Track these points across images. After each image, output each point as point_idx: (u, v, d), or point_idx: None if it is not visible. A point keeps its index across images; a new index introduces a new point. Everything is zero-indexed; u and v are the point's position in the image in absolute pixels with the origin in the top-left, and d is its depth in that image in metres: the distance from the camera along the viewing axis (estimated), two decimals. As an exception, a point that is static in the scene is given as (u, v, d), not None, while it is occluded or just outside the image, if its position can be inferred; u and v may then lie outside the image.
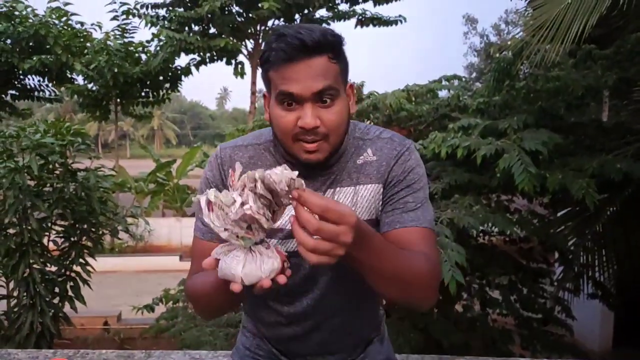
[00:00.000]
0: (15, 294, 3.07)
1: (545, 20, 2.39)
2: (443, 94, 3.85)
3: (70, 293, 3.12)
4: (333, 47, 0.93)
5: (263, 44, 0.92)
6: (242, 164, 1.01)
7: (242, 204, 0.76)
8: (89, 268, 3.13)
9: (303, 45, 0.89)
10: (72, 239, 3.10)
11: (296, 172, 0.76)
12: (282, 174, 0.76)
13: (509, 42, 3.24)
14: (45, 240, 3.06)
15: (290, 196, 0.77)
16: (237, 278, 0.78)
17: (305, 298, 1.06)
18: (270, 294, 1.01)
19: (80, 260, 3.09)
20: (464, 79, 4.27)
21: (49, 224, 3.05)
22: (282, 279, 0.79)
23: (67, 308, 3.16)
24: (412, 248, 0.95)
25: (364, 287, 0.94)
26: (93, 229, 3.16)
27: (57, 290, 3.09)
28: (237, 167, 0.81)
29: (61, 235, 3.11)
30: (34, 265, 2.96)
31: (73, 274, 3.13)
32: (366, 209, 1.02)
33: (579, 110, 3.30)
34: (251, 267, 0.79)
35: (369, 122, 3.90)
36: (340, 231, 0.73)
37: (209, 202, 0.78)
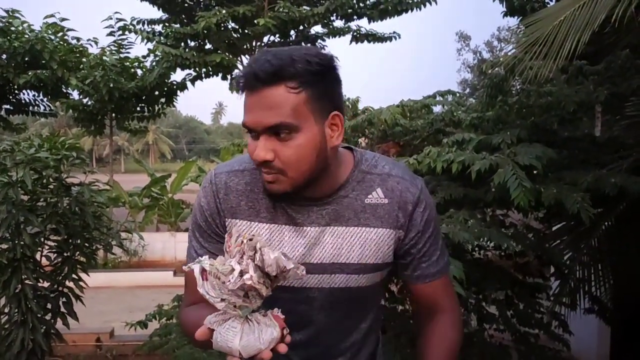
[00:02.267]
0: (6, 310, 3.02)
1: (538, 37, 2.42)
2: (437, 109, 3.89)
3: (62, 309, 3.08)
4: (295, 76, 0.85)
5: None
6: (238, 191, 0.99)
7: (242, 272, 0.72)
8: (81, 284, 3.09)
9: (255, 75, 0.85)
10: (65, 254, 3.07)
11: (291, 263, 0.73)
12: (274, 260, 0.72)
13: (501, 59, 3.28)
14: (38, 256, 3.03)
15: (285, 276, 0.74)
16: (235, 352, 0.74)
17: (298, 333, 1.03)
18: None
19: (73, 275, 3.06)
20: (457, 94, 4.31)
21: (42, 239, 3.03)
22: (282, 348, 0.76)
23: (59, 324, 3.12)
24: (439, 300, 1.05)
25: (360, 328, 0.94)
26: (87, 244, 3.13)
27: (49, 306, 3.05)
28: (234, 232, 0.78)
29: (54, 250, 3.08)
30: (26, 281, 2.92)
31: (66, 290, 3.09)
32: (374, 252, 0.99)
33: (572, 125, 3.33)
34: (249, 338, 0.74)
35: (363, 137, 3.92)
36: None
37: (203, 271, 0.74)
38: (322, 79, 0.88)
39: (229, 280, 0.72)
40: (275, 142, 0.87)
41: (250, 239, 0.74)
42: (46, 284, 3.06)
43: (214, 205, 0.99)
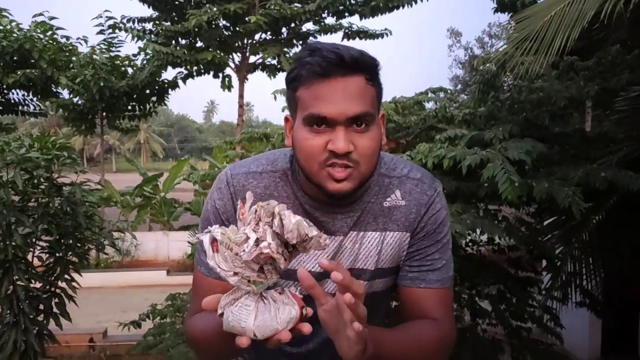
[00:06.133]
0: (-2, 312, 3.00)
1: (528, 33, 2.43)
2: (429, 105, 3.90)
3: (55, 310, 3.06)
4: (370, 68, 0.86)
5: (294, 60, 0.90)
6: (256, 194, 0.92)
7: (258, 240, 0.65)
8: (74, 284, 3.07)
9: (341, 61, 0.82)
10: (57, 254, 3.05)
11: (314, 230, 0.67)
12: (295, 225, 0.65)
13: (492, 55, 3.30)
14: (29, 256, 3.01)
15: (305, 246, 0.68)
16: (249, 332, 0.67)
17: (312, 341, 1.00)
18: None
19: (66, 276, 3.04)
20: (449, 91, 4.32)
21: (34, 240, 3.00)
22: (306, 328, 0.69)
23: (51, 325, 3.10)
24: (428, 310, 0.94)
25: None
26: (79, 244, 3.11)
27: (41, 307, 3.03)
28: (248, 197, 0.71)
29: (46, 250, 3.06)
30: (18, 282, 2.89)
31: (58, 290, 3.07)
32: (390, 256, 0.97)
33: (562, 120, 3.35)
34: (265, 317, 0.67)
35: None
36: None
37: (213, 241, 0.66)
38: (380, 78, 0.90)
39: (244, 250, 0.65)
40: (352, 133, 0.84)
41: (267, 204, 0.68)
42: (38, 285, 3.04)
43: (231, 207, 0.94)
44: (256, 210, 0.68)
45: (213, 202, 0.96)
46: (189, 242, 6.07)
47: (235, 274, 0.66)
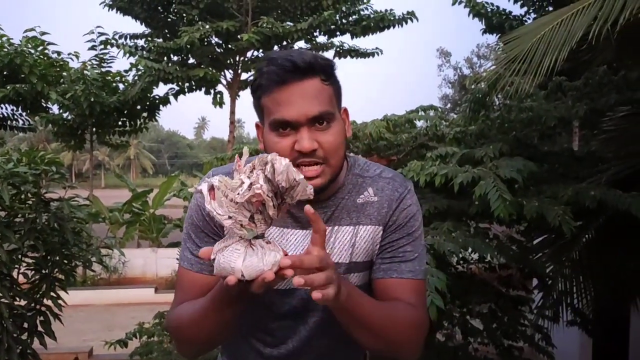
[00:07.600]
0: (-20, 330, 2.92)
1: (517, 54, 2.47)
2: (420, 124, 3.93)
3: (40, 328, 2.98)
4: (325, 69, 0.92)
5: (254, 71, 0.98)
6: None
7: (251, 184, 0.73)
8: (60, 302, 3.01)
9: (295, 67, 0.89)
10: (44, 271, 2.99)
11: (301, 175, 0.74)
12: (285, 168, 0.73)
13: (483, 74, 3.34)
14: (14, 273, 2.94)
15: (292, 195, 0.74)
16: (237, 272, 0.74)
17: (292, 340, 1.03)
18: (264, 312, 0.99)
19: (52, 293, 2.98)
20: (439, 110, 4.37)
21: (20, 256, 2.95)
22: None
23: (35, 344, 3.02)
24: (401, 298, 0.96)
25: (351, 338, 0.93)
26: (65, 261, 3.05)
27: (25, 325, 2.96)
28: (245, 152, 0.78)
29: (32, 267, 3.00)
30: (2, 300, 2.83)
31: (43, 308, 3.00)
32: (364, 250, 1.00)
33: (551, 139, 3.39)
34: (252, 259, 0.74)
35: (348, 151, 3.93)
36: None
37: (211, 189, 0.74)
38: (336, 76, 0.96)
39: (238, 194, 0.72)
40: (315, 132, 0.91)
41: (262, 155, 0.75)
42: (23, 302, 2.97)
43: None
44: (255, 160, 0.75)
45: (196, 200, 1.02)
46: (177, 259, 6.00)
47: (230, 217, 0.73)
